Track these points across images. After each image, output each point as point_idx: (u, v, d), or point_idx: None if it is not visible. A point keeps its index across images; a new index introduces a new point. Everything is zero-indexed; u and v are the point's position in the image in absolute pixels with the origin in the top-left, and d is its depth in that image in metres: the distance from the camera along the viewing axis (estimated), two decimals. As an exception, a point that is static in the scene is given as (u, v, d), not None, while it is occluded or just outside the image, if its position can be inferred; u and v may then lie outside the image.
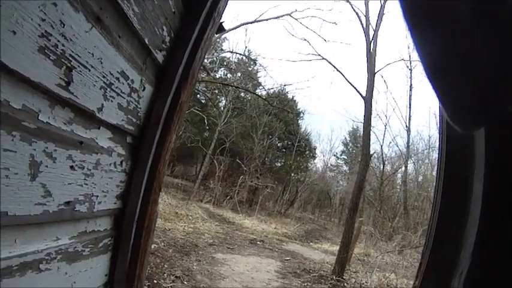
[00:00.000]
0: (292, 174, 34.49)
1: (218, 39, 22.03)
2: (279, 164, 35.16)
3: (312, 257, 13.24)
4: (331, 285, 9.17)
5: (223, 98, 31.09)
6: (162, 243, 9.46)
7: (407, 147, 27.87)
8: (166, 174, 26.94)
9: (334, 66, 14.75)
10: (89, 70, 1.24)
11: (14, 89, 0.97)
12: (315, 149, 38.86)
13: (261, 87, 27.83)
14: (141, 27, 1.47)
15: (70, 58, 1.14)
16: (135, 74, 1.57)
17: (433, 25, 0.65)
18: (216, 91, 29.25)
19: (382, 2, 12.88)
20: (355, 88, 12.88)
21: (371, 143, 12.61)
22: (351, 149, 41.43)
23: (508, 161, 0.90)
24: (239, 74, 27.03)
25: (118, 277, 1.79)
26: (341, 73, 14.57)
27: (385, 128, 29.78)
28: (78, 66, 1.18)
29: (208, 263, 9.05)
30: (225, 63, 26.91)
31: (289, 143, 35.21)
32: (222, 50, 25.37)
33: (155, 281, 6.51)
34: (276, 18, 17.30)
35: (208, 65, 19.61)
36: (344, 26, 37.49)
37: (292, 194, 32.72)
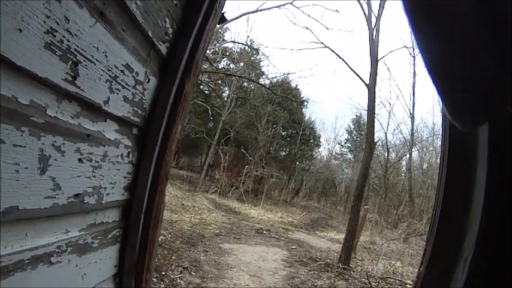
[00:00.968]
0: (297, 163, 34.55)
1: (220, 30, 21.98)
2: (284, 153, 35.24)
3: (318, 245, 13.30)
4: (337, 273, 9.21)
5: (226, 88, 31.09)
6: (169, 235, 9.53)
7: (412, 134, 27.85)
8: (172, 166, 26.98)
9: (336, 54, 14.67)
10: (94, 64, 1.25)
11: (22, 85, 0.98)
12: (319, 138, 38.94)
13: (264, 77, 27.73)
14: (144, 20, 1.48)
15: (75, 53, 1.15)
16: (140, 67, 1.58)
17: (434, 24, 0.66)
18: (220, 81, 29.23)
19: (384, -11, 12.78)
20: (358, 76, 12.83)
21: (375, 131, 12.61)
22: (355, 137, 41.41)
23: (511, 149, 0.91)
24: (242, 64, 26.92)
25: (127, 268, 1.81)
26: (344, 61, 14.50)
27: (389, 116, 29.92)
28: (84, 60, 1.20)
29: (215, 254, 9.11)
30: (227, 53, 26.77)
31: (293, 131, 35.23)
32: (224, 40, 25.30)
33: (163, 273, 6.57)
34: (278, 7, 17.18)
35: (211, 55, 19.54)
36: (346, 13, 37.21)
37: (298, 182, 32.82)
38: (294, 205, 27.89)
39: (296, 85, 33.56)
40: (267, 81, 26.94)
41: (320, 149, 40.54)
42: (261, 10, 17.39)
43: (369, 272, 9.35)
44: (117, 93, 1.44)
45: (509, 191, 0.92)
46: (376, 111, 14.78)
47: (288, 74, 27.74)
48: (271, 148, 31.75)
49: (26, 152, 1.03)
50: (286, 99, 28.66)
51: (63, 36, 1.08)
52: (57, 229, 1.27)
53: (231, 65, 29.34)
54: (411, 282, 8.71)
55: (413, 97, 31.79)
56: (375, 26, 12.38)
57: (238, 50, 28.26)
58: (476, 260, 0.95)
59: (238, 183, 24.34)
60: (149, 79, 1.69)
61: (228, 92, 30.52)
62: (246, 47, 27.40)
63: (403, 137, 28.87)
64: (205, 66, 16.76)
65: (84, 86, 1.22)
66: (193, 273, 7.04)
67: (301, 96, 35.66)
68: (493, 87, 0.67)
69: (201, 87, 27.66)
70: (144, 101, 1.69)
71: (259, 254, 10.13)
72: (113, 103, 1.42)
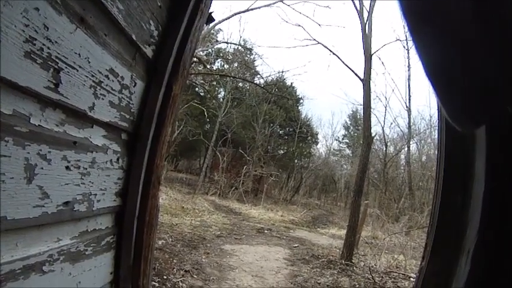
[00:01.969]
0: (296, 161, 34.61)
1: (212, 31, 21.93)
2: (282, 152, 35.28)
3: (319, 242, 13.30)
4: (340, 270, 9.20)
5: (221, 90, 31.17)
6: (170, 239, 9.51)
7: (409, 127, 27.87)
8: (170, 169, 27.06)
9: (330, 50, 14.64)
10: (77, 70, 1.25)
11: (3, 95, 0.98)
12: (316, 134, 38.97)
13: (258, 76, 27.75)
14: (127, 23, 1.47)
15: (57, 60, 1.14)
16: (125, 71, 1.57)
17: (433, 26, 0.65)
18: (214, 83, 29.29)
19: (375, -17, 12.78)
20: (352, 71, 12.82)
21: (372, 125, 12.61)
22: (352, 132, 41.50)
23: (509, 137, 0.90)
24: (236, 64, 26.95)
25: (123, 274, 1.81)
26: (337, 56, 14.48)
27: (386, 110, 29.79)
28: (66, 67, 1.19)
29: (217, 255, 9.10)
30: (221, 54, 26.82)
31: (290, 129, 35.26)
32: (217, 41, 25.27)
33: (165, 277, 6.55)
34: (268, 6, 17.17)
35: (204, 57, 19.57)
36: (338, 9, 37.21)
37: (297, 180, 32.82)
38: (295, 203, 27.91)
39: (291, 83, 33.62)
40: (262, 81, 26.97)
41: (318, 146, 40.68)
42: (252, 9, 17.35)
43: (372, 267, 9.34)
44: (103, 99, 1.43)
45: (509, 182, 0.91)
46: (372, 105, 14.85)
47: (282, 72, 27.76)
48: (269, 147, 31.77)
49: (11, 161, 1.03)
50: (282, 97, 28.70)
51: (43, 44, 1.08)
52: (48, 238, 1.27)
53: (225, 66, 29.35)
54: (415, 276, 8.72)
55: (409, 90, 31.94)
56: (367, 21, 12.38)
57: (231, 51, 28.31)
58: (479, 252, 0.94)
59: (238, 184, 24.35)
60: (136, 83, 1.68)
61: (223, 93, 30.58)
62: (240, 47, 27.43)
63: (401, 130, 28.94)
64: (200, 68, 16.77)
65: (68, 93, 1.22)
66: (195, 276, 7.03)
67: (297, 94, 35.71)
68: (493, 88, 0.66)
69: (196, 89, 27.67)
70: (132, 105, 1.68)
71: (261, 253, 10.12)
72: (98, 109, 1.41)
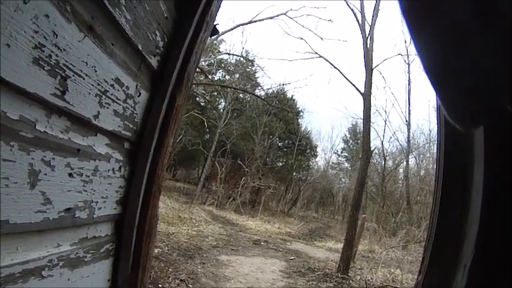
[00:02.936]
0: (294, 174, 34.57)
1: (215, 42, 22.05)
2: (281, 164, 35.25)
3: (316, 255, 13.26)
4: (336, 283, 9.17)
5: (222, 100, 31.19)
6: (166, 248, 9.48)
7: (408, 141, 27.87)
8: (168, 178, 26.96)
9: (331, 64, 14.74)
10: (84, 78, 1.26)
11: (11, 100, 0.99)
12: (316, 147, 38.97)
13: (259, 88, 27.85)
14: (133, 33, 1.49)
15: (64, 68, 1.16)
16: (130, 81, 1.58)
17: (434, 27, 0.66)
18: (215, 93, 29.31)
19: (377, -3, 12.90)
20: (353, 85, 12.91)
21: (371, 139, 12.64)
22: (351, 146, 41.45)
23: (509, 153, 0.90)
24: (237, 76, 27.06)
25: (121, 282, 1.80)
26: (339, 70, 14.61)
27: (385, 124, 29.93)
28: (73, 75, 1.20)
29: (212, 266, 9.06)
30: (222, 65, 26.91)
31: (290, 142, 35.27)
32: (219, 52, 25.37)
33: (160, 285, 6.53)
34: (271, 18, 17.31)
35: (206, 67, 19.62)
36: (340, 23, 37.41)
37: (295, 193, 32.75)
38: (292, 215, 27.85)
39: (292, 95, 33.72)
40: (263, 93, 27.08)
41: (317, 159, 40.62)
42: (255, 21, 17.51)
43: (368, 280, 9.31)
44: (107, 108, 1.45)
45: (507, 195, 0.92)
46: (372, 119, 14.86)
47: (283, 84, 27.89)
48: (267, 159, 31.75)
49: (16, 166, 1.04)
50: (282, 109, 28.72)
51: (52, 51, 1.09)
52: (48, 243, 1.27)
53: (227, 77, 29.45)
54: (411, 290, 8.69)
55: (409, 104, 31.99)
56: (368, 35, 12.48)
57: (233, 62, 28.44)
58: (476, 267, 0.94)
59: (236, 195, 24.30)
60: (140, 93, 1.69)
61: (223, 103, 30.62)
62: (241, 59, 27.54)
63: (400, 144, 28.96)
64: (201, 78, 16.80)
65: (74, 101, 1.23)
66: (190, 286, 7.00)
67: (297, 106, 35.78)
68: (493, 88, 0.67)
69: (197, 99, 27.71)
70: (136, 115, 1.70)
71: (257, 265, 10.08)
72: (103, 117, 1.42)
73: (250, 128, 29.77)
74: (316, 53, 15.78)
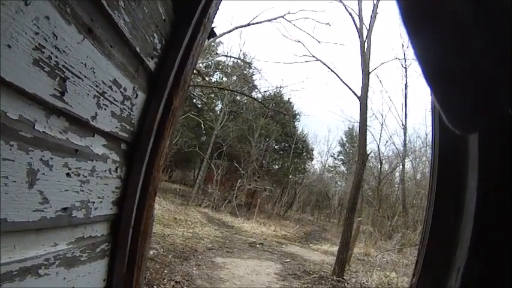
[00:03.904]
0: (290, 176, 34.52)
1: (213, 44, 22.04)
2: (277, 167, 35.19)
3: (311, 258, 13.23)
4: (331, 286, 9.17)
5: (219, 102, 31.21)
6: (162, 249, 9.45)
7: (404, 145, 27.93)
8: (164, 180, 26.91)
9: (328, 67, 14.78)
10: (82, 80, 1.28)
11: (11, 100, 1.00)
12: (312, 150, 38.91)
13: (256, 90, 27.87)
14: (132, 36, 1.50)
15: (63, 69, 1.17)
16: (128, 82, 1.60)
17: (432, 27, 0.66)
18: (212, 95, 29.32)
19: (375, 1, 12.95)
20: (350, 88, 12.93)
21: (368, 143, 12.68)
22: (347, 149, 41.44)
23: (503, 157, 0.92)
24: (234, 78, 27.02)
25: (116, 282, 1.81)
26: (336, 74, 14.59)
27: (382, 127, 29.94)
28: (72, 76, 1.22)
29: (208, 267, 9.05)
30: (220, 67, 26.86)
31: (286, 145, 35.21)
32: (217, 54, 25.36)
33: (155, 287, 6.52)
34: (269, 21, 17.32)
35: (204, 69, 19.59)
36: (337, 26, 37.53)
37: (291, 196, 32.69)
38: (288, 218, 27.74)
39: (288, 98, 33.72)
40: (260, 95, 27.11)
41: (313, 162, 40.57)
42: (253, 24, 17.52)
43: (364, 283, 9.32)
44: (105, 109, 1.46)
45: (502, 200, 0.93)
46: (369, 123, 14.89)
47: (280, 87, 27.88)
48: (264, 162, 31.71)
49: (15, 165, 1.05)
50: (279, 112, 28.68)
51: (52, 53, 1.11)
52: (45, 242, 1.28)
53: (224, 79, 29.42)
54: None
55: (406, 108, 31.95)
56: (366, 38, 12.49)
57: (231, 64, 28.40)
58: (469, 270, 0.95)
59: (231, 197, 24.23)
60: (137, 94, 1.71)
61: (220, 105, 30.62)
62: (239, 61, 27.53)
63: (396, 148, 28.94)
64: (198, 80, 16.79)
65: (72, 102, 1.25)
66: (185, 287, 6.99)
67: (294, 109, 35.78)
68: (493, 89, 0.67)
69: (194, 100, 27.70)
70: (133, 116, 1.71)
71: (252, 267, 10.06)
72: (100, 118, 1.44)
73: (246, 130, 29.75)
74: (314, 56, 15.81)
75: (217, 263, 9.75)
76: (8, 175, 1.03)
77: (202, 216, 18.66)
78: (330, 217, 35.26)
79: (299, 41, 18.44)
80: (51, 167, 1.22)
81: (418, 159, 29.01)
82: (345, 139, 42.18)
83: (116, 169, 1.69)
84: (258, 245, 14.19)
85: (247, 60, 28.24)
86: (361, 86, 12.02)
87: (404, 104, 31.32)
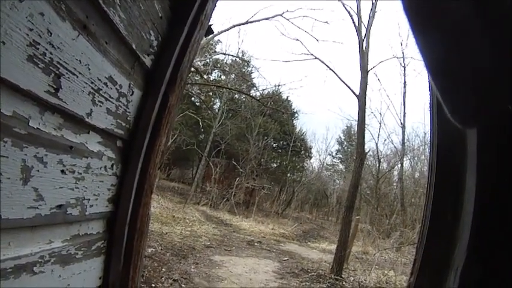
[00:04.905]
0: (289, 175, 34.63)
1: (211, 42, 22.03)
2: (275, 165, 35.27)
3: (310, 256, 13.27)
4: (329, 284, 9.19)
5: (217, 100, 31.23)
6: (160, 247, 9.46)
7: (403, 144, 27.96)
8: (163, 178, 26.91)
9: (326, 65, 14.81)
10: (77, 76, 1.27)
11: (5, 96, 1.00)
12: (310, 149, 39.02)
13: (255, 88, 27.89)
14: (127, 33, 1.50)
15: (58, 65, 1.17)
16: (123, 79, 1.59)
17: (435, 25, 0.67)
18: (210, 93, 29.31)
19: (374, 0, 12.95)
20: (348, 87, 12.96)
21: (366, 141, 12.71)
22: (346, 148, 41.57)
23: (502, 156, 0.91)
24: (233, 76, 27.05)
25: (112, 280, 1.81)
26: (334, 72, 14.62)
27: (380, 126, 29.86)
28: (66, 73, 1.21)
29: (206, 266, 9.06)
30: (218, 65, 26.87)
31: (284, 143, 35.30)
32: (215, 52, 25.37)
33: (153, 285, 6.53)
34: (268, 19, 17.33)
35: (202, 67, 19.60)
36: (336, 25, 37.60)
37: (289, 194, 32.74)
38: (286, 216, 27.80)
39: (287, 97, 33.82)
40: (258, 93, 27.13)
41: (311, 160, 40.68)
42: (252, 22, 17.51)
43: (362, 282, 9.34)
44: (100, 106, 1.46)
45: (501, 198, 0.93)
46: (367, 121, 14.92)
47: (278, 85, 27.87)
48: (262, 160, 31.67)
49: (9, 162, 1.05)
50: (277, 111, 28.70)
51: (46, 49, 1.10)
52: (40, 239, 1.28)
53: (222, 77, 29.45)
54: (403, 292, 8.70)
55: (404, 107, 32.06)
56: (364, 37, 12.52)
57: (229, 62, 28.42)
58: (468, 270, 0.95)
59: (230, 195, 24.24)
60: (133, 91, 1.70)
61: (219, 103, 30.65)
62: (237, 59, 27.53)
63: (394, 146, 29.00)
64: (196, 78, 16.77)
65: (67, 98, 1.24)
66: (183, 286, 6.99)
67: (292, 107, 35.89)
68: (493, 87, 0.68)
69: (192, 99, 27.66)
70: (128, 113, 1.71)
71: (250, 266, 10.08)
72: (95, 115, 1.43)
73: (245, 128, 29.79)
74: (312, 55, 15.84)
75: (216, 261, 9.77)
76: (2, 172, 1.02)
77: (201, 214, 18.68)
78: (328, 215, 35.38)
79: (297, 39, 18.41)
80: (46, 163, 1.21)
81: (416, 158, 29.10)
82: (343, 137, 42.32)
83: (112, 166, 1.68)
84: (256, 243, 14.22)
85: (246, 59, 28.26)
86: (360, 84, 12.05)
87: (402, 103, 31.43)
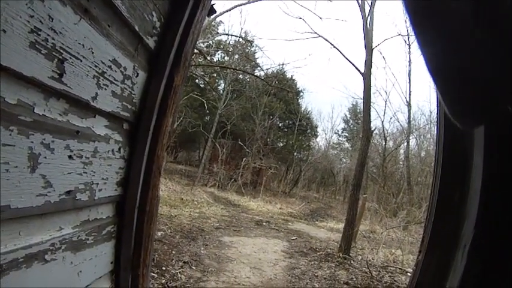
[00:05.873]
0: (295, 154, 34.63)
1: (213, 23, 21.85)
2: (281, 144, 35.25)
3: (318, 235, 13.34)
4: (337, 263, 9.23)
5: (222, 81, 31.06)
6: (169, 230, 9.54)
7: (409, 122, 27.80)
8: (170, 161, 27.04)
9: (331, 43, 14.66)
10: (81, 61, 1.26)
11: (8, 85, 0.99)
12: (316, 128, 38.97)
13: (259, 68, 27.69)
14: (130, 15, 1.48)
15: (61, 51, 1.15)
16: (128, 61, 1.58)
17: (435, 25, 0.66)
18: (215, 75, 29.15)
19: (377, -24, 12.73)
20: (353, 64, 12.80)
21: (372, 120, 12.60)
22: (352, 126, 41.45)
23: (508, 134, 0.90)
24: (236, 56, 26.88)
25: (123, 264, 1.82)
26: (338, 50, 14.54)
27: (386, 104, 29.87)
28: (70, 57, 1.20)
29: (215, 247, 9.13)
30: (221, 46, 26.69)
31: (290, 122, 35.24)
32: (218, 33, 25.18)
33: (163, 268, 6.59)
34: (270, -3, 17.12)
35: (205, 49, 19.45)
36: (339, 2, 37.01)
37: (296, 173, 32.85)
38: (293, 196, 27.93)
39: (291, 76, 33.60)
40: (262, 73, 26.92)
41: (317, 139, 40.67)
42: (254, 1, 17.31)
43: (369, 261, 9.38)
44: (105, 89, 1.45)
45: (508, 176, 0.92)
46: (372, 99, 14.84)
47: (282, 64, 27.70)
48: (268, 139, 31.67)
49: (16, 151, 1.04)
50: (282, 90, 28.57)
51: (48, 35, 1.09)
52: (50, 227, 1.28)
53: (226, 58, 29.27)
54: (412, 270, 8.75)
55: (410, 85, 31.86)
56: (368, 14, 12.33)
57: (232, 43, 28.22)
58: (475, 247, 0.95)
59: (237, 176, 24.33)
60: (138, 73, 1.69)
61: (223, 84, 30.49)
62: (240, 39, 27.32)
63: (400, 125, 28.87)
64: (200, 60, 16.68)
65: (71, 83, 1.23)
66: (193, 268, 7.06)
67: (297, 86, 35.67)
68: (493, 87, 0.67)
69: (196, 80, 27.59)
70: (134, 95, 1.69)
71: (259, 246, 10.15)
72: (101, 99, 1.42)
73: (250, 108, 29.69)
74: (316, 33, 15.63)
75: (225, 242, 9.84)
76: (9, 161, 1.02)
77: (209, 195, 18.79)
78: (335, 194, 35.47)
79: (300, 18, 18.18)
80: (53, 150, 1.21)
81: (422, 137, 28.98)
82: (348, 116, 42.18)
83: (119, 149, 1.68)
84: (264, 223, 14.31)
85: (249, 39, 28.03)
86: (365, 62, 11.91)
87: (408, 81, 31.22)
